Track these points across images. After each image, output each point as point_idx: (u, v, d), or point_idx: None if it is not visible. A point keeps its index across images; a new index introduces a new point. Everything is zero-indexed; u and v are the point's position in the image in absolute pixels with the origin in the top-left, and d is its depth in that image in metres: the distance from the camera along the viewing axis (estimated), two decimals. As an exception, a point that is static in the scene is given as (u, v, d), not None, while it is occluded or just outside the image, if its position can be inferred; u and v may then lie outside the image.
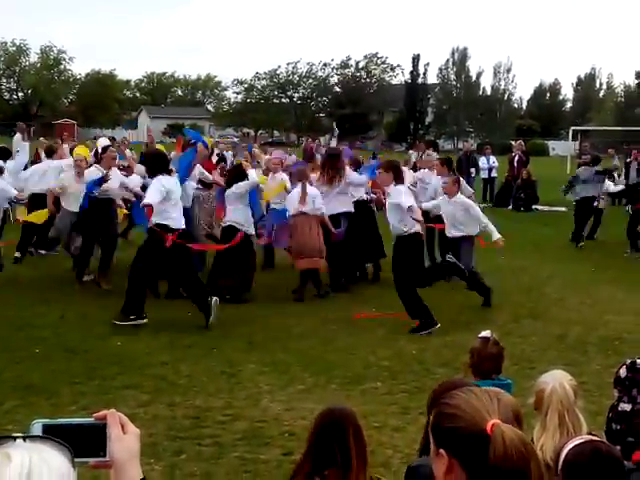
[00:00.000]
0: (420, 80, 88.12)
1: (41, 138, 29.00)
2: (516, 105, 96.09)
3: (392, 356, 9.13)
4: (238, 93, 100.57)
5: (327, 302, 11.57)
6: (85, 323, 10.14)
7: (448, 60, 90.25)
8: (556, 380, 4.12)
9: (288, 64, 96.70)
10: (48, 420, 1.62)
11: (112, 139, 26.81)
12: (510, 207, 25.30)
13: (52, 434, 1.55)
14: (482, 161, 27.51)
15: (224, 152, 27.03)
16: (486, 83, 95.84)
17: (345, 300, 11.83)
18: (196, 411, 7.20)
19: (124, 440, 1.66)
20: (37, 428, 1.59)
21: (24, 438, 1.42)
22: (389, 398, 7.65)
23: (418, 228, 10.17)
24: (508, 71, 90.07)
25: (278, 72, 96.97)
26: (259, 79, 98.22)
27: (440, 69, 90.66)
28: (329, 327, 10.38)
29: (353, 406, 4.31)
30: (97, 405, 7.06)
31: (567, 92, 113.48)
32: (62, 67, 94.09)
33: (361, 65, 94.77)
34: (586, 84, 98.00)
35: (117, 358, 8.76)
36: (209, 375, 8.28)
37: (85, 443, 1.63)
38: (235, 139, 56.50)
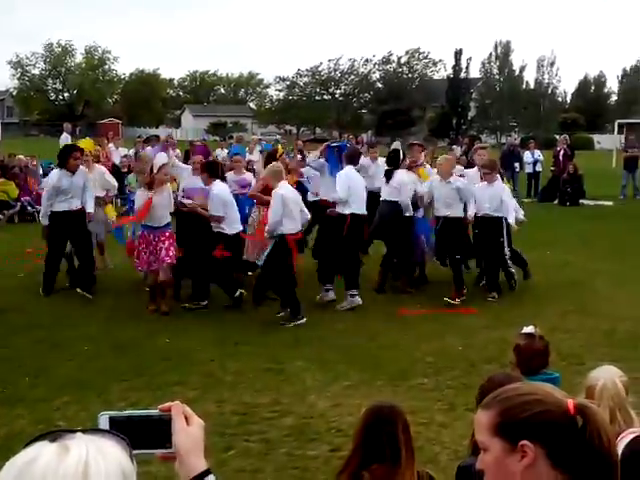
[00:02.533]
0: (463, 74, 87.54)
1: (87, 137, 29.32)
2: (560, 99, 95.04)
3: (437, 352, 9.10)
4: (280, 90, 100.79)
5: (371, 298, 11.50)
6: (133, 320, 10.25)
7: (491, 54, 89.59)
8: (607, 376, 4.07)
9: (330, 61, 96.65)
10: (114, 412, 1.64)
11: (156, 137, 27.10)
12: (556, 202, 25.04)
13: (118, 426, 1.57)
14: (526, 156, 27.24)
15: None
16: (529, 77, 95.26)
17: (389, 296, 11.80)
18: (244, 407, 7.25)
19: (188, 431, 1.67)
20: (104, 420, 1.61)
21: (83, 431, 1.44)
22: (435, 394, 7.63)
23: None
24: (552, 64, 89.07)
25: (320, 69, 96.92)
26: (301, 76, 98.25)
27: (483, 63, 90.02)
28: (373, 323, 10.37)
29: (400, 402, 4.32)
30: (146, 401, 7.18)
31: (612, 85, 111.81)
32: (107, 67, 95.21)
33: (403, 60, 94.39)
34: (632, 77, 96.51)
35: (165, 355, 8.85)
36: (256, 372, 8.33)
37: (151, 435, 1.64)
38: (278, 136, 56.75)
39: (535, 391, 1.87)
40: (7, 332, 9.69)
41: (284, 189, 10.31)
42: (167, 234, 10.84)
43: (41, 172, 22.76)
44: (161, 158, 12.13)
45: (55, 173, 11.68)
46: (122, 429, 1.51)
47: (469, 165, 20.36)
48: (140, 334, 9.64)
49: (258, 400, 7.45)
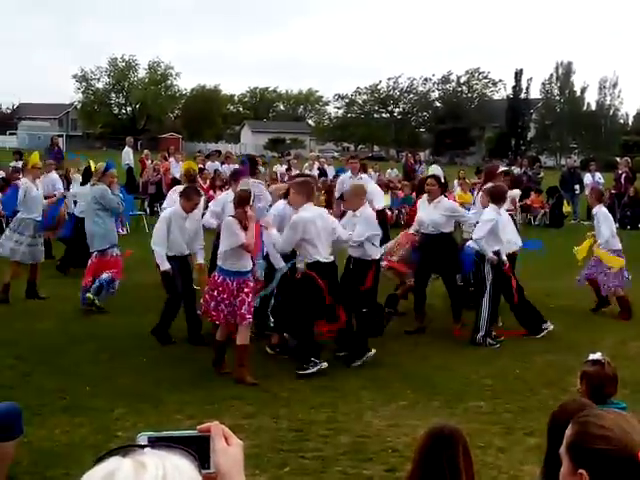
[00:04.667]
0: (523, 95, 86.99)
1: (145, 150, 29.79)
2: (622, 121, 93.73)
3: (494, 374, 9.03)
4: (339, 108, 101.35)
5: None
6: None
7: (552, 75, 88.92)
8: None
9: (389, 79, 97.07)
10: (153, 432, 1.62)
11: (217, 152, 27.39)
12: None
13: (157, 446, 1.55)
14: (587, 178, 26.90)
15: (325, 166, 27.29)
16: (591, 98, 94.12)
17: (441, 315, 11.65)
18: (299, 424, 7.26)
19: (229, 451, 1.65)
20: (143, 440, 1.60)
21: (152, 446, 1.45)
22: (493, 418, 7.56)
23: None
24: (614, 86, 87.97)
25: (379, 87, 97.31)
26: (360, 94, 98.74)
27: (543, 84, 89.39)
28: (426, 343, 10.32)
29: (456, 424, 4.29)
30: (202, 414, 7.23)
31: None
32: (169, 82, 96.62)
33: (462, 80, 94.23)
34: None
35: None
36: (312, 388, 8.34)
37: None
38: (335, 154, 56.89)
39: (615, 427, 1.86)
40: (68, 342, 9.86)
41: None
42: (251, 284, 8.86)
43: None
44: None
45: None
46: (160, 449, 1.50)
47: (527, 187, 20.14)
48: (199, 347, 9.72)
49: (314, 417, 7.46)
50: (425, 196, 11.39)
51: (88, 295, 11.26)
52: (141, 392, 8.06)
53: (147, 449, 1.44)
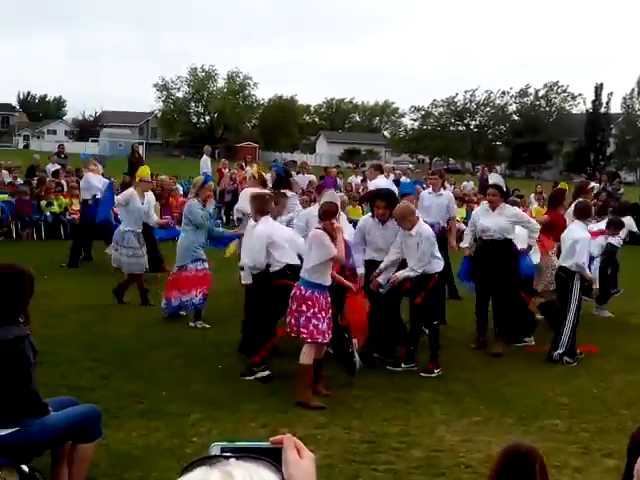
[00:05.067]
0: (602, 109, 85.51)
1: (223, 160, 30.14)
2: None
3: (571, 393, 8.89)
4: (415, 120, 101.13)
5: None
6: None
7: (633, 89, 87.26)
8: None
9: (466, 92, 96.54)
10: (226, 443, 1.63)
11: (293, 162, 27.68)
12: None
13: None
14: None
15: (400, 178, 27.23)
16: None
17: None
18: (372, 436, 7.25)
19: (301, 464, 1.65)
20: (216, 450, 1.61)
21: (237, 457, 1.47)
22: (570, 437, 7.42)
23: None
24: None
25: (456, 99, 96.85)
26: (436, 106, 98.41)
27: (624, 98, 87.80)
28: (501, 359, 10.22)
29: (532, 443, 4.24)
30: (275, 423, 7.29)
31: None
32: (247, 92, 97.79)
33: (541, 94, 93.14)
34: None
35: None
36: (384, 401, 8.33)
37: None
38: (410, 165, 56.69)
39: None
40: (146, 348, 10.03)
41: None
42: (329, 300, 8.46)
43: (181, 192, 23.62)
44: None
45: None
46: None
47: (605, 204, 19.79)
48: (273, 356, 9.74)
49: (386, 429, 7.44)
50: (484, 203, 11.33)
51: (192, 325, 11.37)
52: (216, 398, 8.15)
53: (232, 460, 1.45)
